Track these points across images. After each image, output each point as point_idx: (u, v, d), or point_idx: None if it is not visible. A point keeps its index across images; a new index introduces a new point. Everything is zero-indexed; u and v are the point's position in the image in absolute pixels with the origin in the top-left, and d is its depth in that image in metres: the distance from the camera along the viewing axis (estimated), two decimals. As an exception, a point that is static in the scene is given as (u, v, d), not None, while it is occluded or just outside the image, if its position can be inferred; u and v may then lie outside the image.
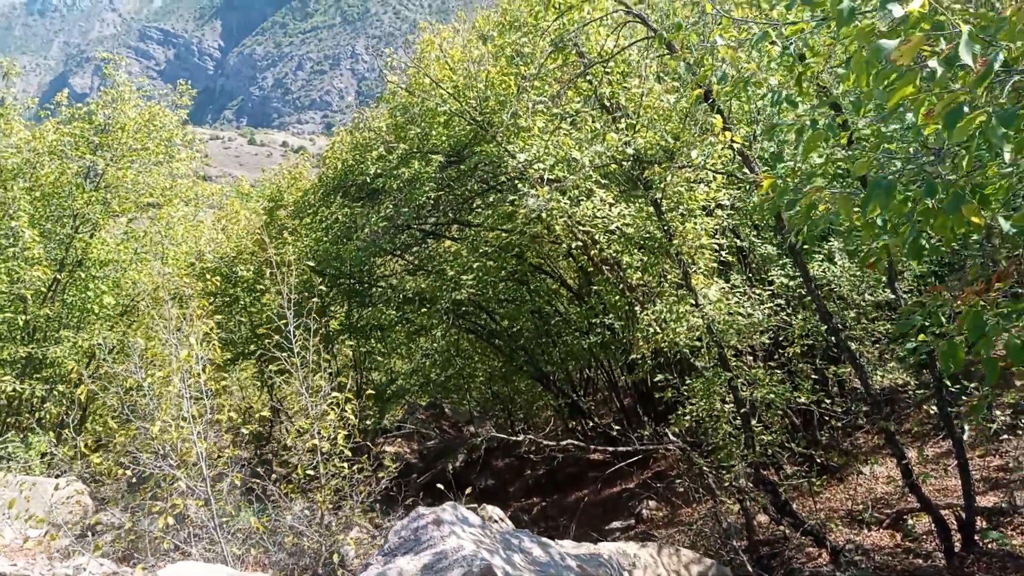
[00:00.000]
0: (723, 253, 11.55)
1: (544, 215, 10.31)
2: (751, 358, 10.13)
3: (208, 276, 11.04)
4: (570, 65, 8.78)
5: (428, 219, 13.42)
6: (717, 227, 11.02)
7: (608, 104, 8.41)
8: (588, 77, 8.21)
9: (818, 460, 10.63)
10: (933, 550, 8.35)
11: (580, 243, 10.55)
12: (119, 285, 11.48)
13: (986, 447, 11.08)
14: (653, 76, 7.73)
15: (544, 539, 4.47)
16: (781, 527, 9.46)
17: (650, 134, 8.33)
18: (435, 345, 19.87)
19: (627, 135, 7.80)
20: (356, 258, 12.07)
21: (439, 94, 9.91)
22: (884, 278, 10.55)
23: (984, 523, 8.56)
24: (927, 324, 4.46)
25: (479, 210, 11.28)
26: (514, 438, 11.18)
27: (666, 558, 6.82)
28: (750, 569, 8.19)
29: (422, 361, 19.50)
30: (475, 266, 12.30)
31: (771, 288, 11.56)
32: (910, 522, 9.37)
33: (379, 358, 20.36)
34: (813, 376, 11.16)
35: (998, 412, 9.69)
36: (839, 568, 8.21)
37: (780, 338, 10.60)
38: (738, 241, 12.33)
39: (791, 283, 11.42)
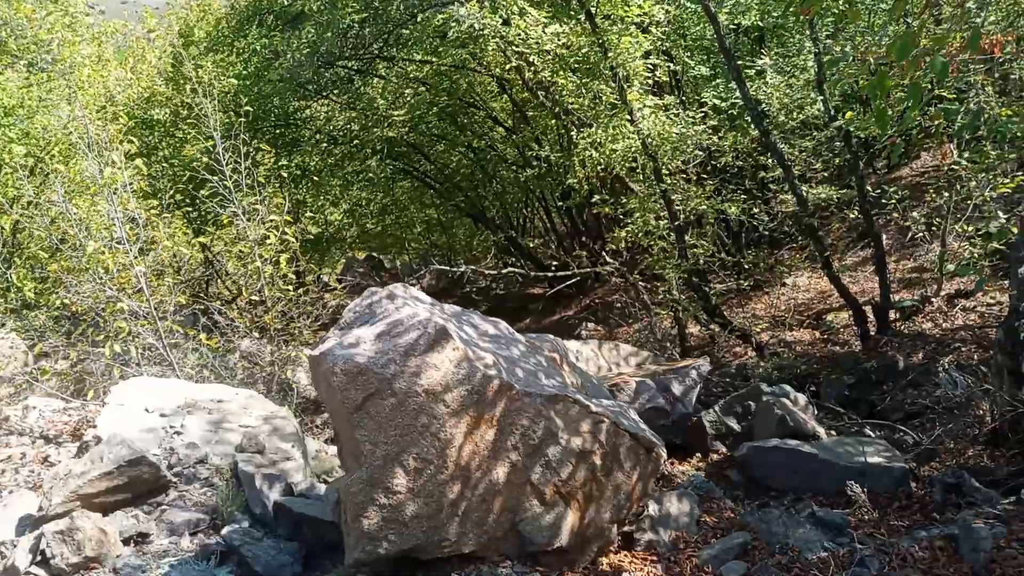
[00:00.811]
0: (657, 74, 11.45)
1: (476, 37, 9.93)
2: (684, 176, 10.34)
3: (122, 119, 10.33)
4: None
5: (354, 53, 12.75)
6: (652, 47, 10.85)
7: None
8: None
9: (746, 270, 11.17)
10: (850, 338, 9.06)
11: (513, 66, 10.27)
12: (28, 134, 10.70)
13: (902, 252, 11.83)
14: None
15: (495, 319, 4.66)
16: (710, 330, 10.05)
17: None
18: (370, 195, 19.52)
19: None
20: (278, 91, 11.49)
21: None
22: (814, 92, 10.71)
23: (898, 314, 9.29)
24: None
25: (410, 36, 10.74)
26: (454, 268, 11.34)
27: (606, 352, 7.24)
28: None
29: (358, 204, 19.18)
30: (407, 96, 11.88)
31: (704, 110, 11.63)
32: (829, 318, 10.10)
33: (311, 212, 20.01)
34: (743, 193, 11.52)
35: (915, 215, 10.26)
36: (763, 360, 8.86)
37: (712, 159, 10.79)
38: (671, 64, 12.21)
39: (723, 104, 11.50)
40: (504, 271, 12.05)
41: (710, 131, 10.62)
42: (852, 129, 8.07)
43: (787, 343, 9.51)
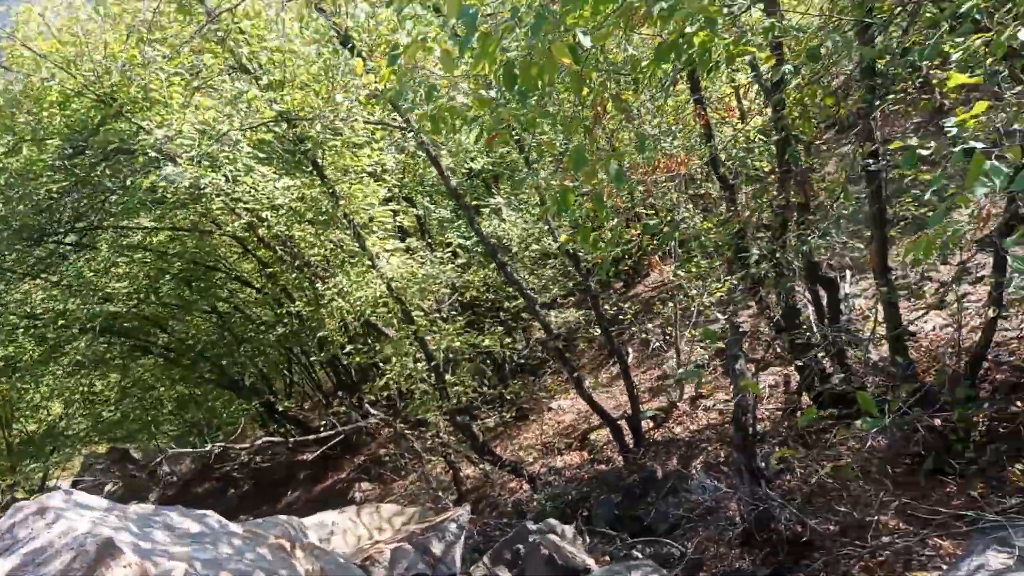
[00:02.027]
0: (400, 219, 11.61)
1: (199, 197, 9.40)
2: (439, 315, 10.33)
3: None
4: (198, 26, 8.00)
5: (64, 224, 11.49)
6: (391, 194, 11.03)
7: (250, 65, 7.83)
8: (223, 37, 7.54)
9: (511, 404, 11.21)
10: (613, 454, 9.25)
11: (245, 223, 9.81)
12: None
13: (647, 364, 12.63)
14: (296, 27, 7.34)
15: (204, 511, 3.94)
16: (482, 468, 9.79)
17: (299, 93, 7.94)
18: (101, 378, 17.27)
19: (273, 94, 7.33)
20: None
21: (45, 68, 8.44)
22: (547, 226, 11.46)
23: (651, 423, 9.71)
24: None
25: (124, 202, 9.89)
26: (198, 451, 10.10)
27: (366, 517, 6.62)
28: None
29: (90, 391, 16.87)
30: (123, 266, 10.82)
31: (450, 250, 11.92)
32: (593, 438, 10.31)
33: (24, 408, 17.21)
34: (499, 325, 11.77)
35: (651, 325, 11.07)
36: (536, 491, 8.70)
37: (461, 295, 10.96)
38: (414, 209, 12.52)
39: (467, 242, 11.90)
40: (258, 442, 10.97)
41: (458, 269, 10.83)
42: (574, 250, 8.57)
43: (557, 470, 9.49)
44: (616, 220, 4.70)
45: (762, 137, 8.12)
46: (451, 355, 10.13)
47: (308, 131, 7.45)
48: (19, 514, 3.13)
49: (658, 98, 6.40)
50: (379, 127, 8.95)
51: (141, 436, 23.18)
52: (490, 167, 12.79)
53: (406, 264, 9.34)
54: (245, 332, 14.33)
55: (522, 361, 12.64)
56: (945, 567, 3.80)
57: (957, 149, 2.23)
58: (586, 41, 2.38)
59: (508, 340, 10.16)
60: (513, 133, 4.28)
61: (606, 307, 11.31)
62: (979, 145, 2.17)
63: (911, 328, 8.84)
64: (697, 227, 7.45)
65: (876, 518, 4.59)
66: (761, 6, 3.80)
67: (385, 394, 10.06)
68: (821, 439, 6.44)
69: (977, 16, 3.23)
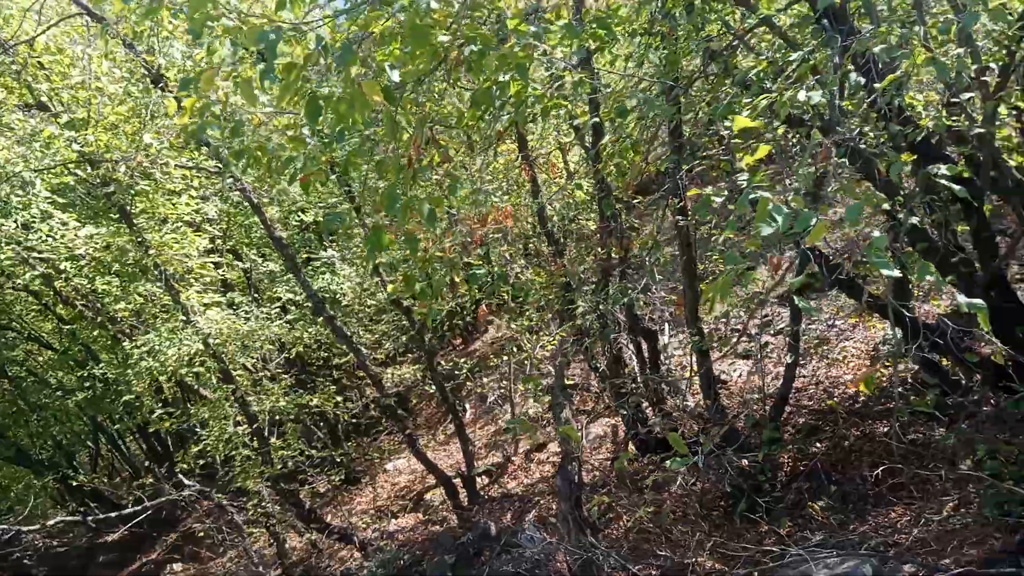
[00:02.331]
0: (222, 272, 10.95)
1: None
2: (267, 374, 9.75)
3: None
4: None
5: None
6: (214, 246, 10.39)
7: (50, 103, 7.14)
8: (18, 71, 6.83)
9: (343, 467, 10.72)
10: (448, 513, 9.03)
11: (39, 276, 8.82)
12: None
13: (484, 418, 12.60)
14: (105, 65, 6.79)
15: None
16: (311, 539, 9.21)
17: (105, 135, 7.33)
18: None
19: (75, 134, 6.70)
20: None
21: None
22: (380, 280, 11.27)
23: (486, 479, 9.62)
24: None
25: None
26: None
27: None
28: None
29: None
30: None
31: (279, 304, 11.37)
32: (428, 498, 10.04)
33: None
34: (331, 383, 11.28)
35: (487, 380, 11.09)
36: (367, 559, 8.29)
37: (291, 350, 10.44)
38: (239, 263, 11.88)
39: (298, 298, 11.40)
40: (48, 523, 9.68)
41: (287, 325, 10.32)
42: (407, 304, 8.46)
43: (390, 534, 9.11)
44: (443, 270, 4.67)
45: (585, 195, 8.52)
46: (277, 416, 9.55)
47: (114, 174, 6.87)
48: None
49: (486, 153, 6.54)
50: (199, 173, 8.46)
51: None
52: (322, 219, 12.46)
53: (227, 319, 8.76)
54: (40, 399, 12.76)
55: (355, 422, 12.18)
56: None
57: (743, 196, 2.38)
58: (394, 75, 2.34)
59: (340, 399, 9.73)
60: (333, 178, 4.15)
61: (442, 363, 11.23)
62: (767, 193, 2.33)
63: (722, 376, 9.48)
64: (527, 281, 7.60)
65: (694, 560, 4.74)
66: (574, 61, 4.00)
67: (201, 462, 9.25)
68: (646, 485, 6.64)
69: (765, 83, 3.55)
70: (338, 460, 10.13)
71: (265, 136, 3.30)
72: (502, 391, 11.28)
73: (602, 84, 4.72)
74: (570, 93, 4.07)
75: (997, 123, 5.72)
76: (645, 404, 7.76)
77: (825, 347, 8.88)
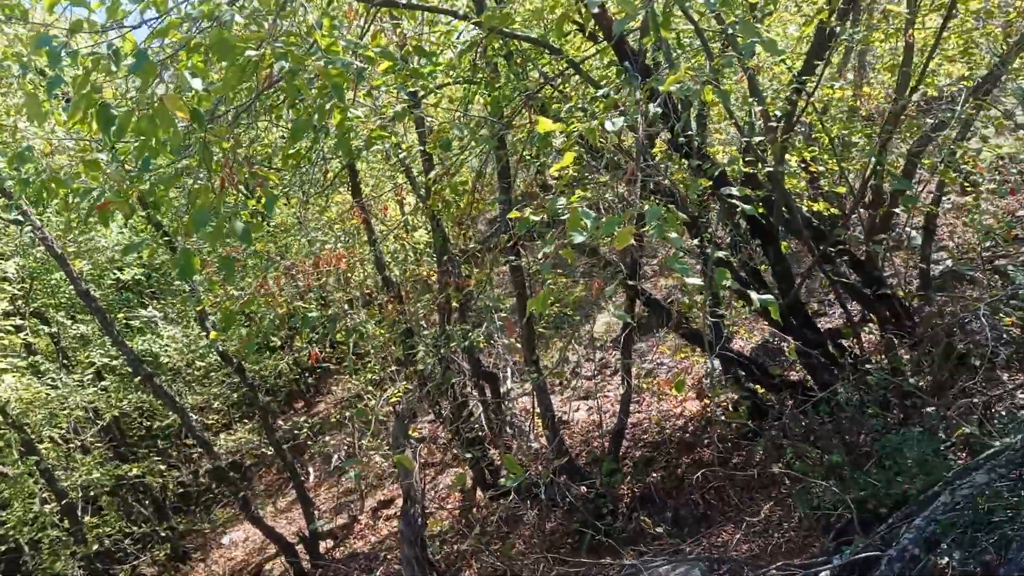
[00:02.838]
0: (25, 336, 9.89)
1: None
2: (76, 443, 8.82)
3: None
4: None
5: None
6: (13, 307, 9.40)
7: None
8: None
9: (169, 542, 9.82)
10: (288, 580, 8.49)
11: None
12: None
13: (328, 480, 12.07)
14: None
15: None
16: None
17: None
18: None
19: None
20: None
21: None
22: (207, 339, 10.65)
23: (332, 540, 9.16)
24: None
25: None
26: None
27: None
28: None
29: None
30: None
31: (93, 369, 10.42)
32: (268, 567, 9.41)
33: None
34: (155, 453, 10.39)
35: (331, 440, 10.66)
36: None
37: (105, 416, 9.54)
38: (45, 327, 10.79)
39: (115, 362, 10.50)
40: None
41: (102, 392, 9.47)
42: (238, 361, 8.04)
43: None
44: (270, 312, 4.49)
45: (420, 241, 8.58)
46: (91, 492, 8.64)
47: None
48: None
49: (318, 197, 6.44)
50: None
51: None
52: (142, 276, 11.66)
53: (30, 386, 7.90)
54: None
55: (185, 492, 11.26)
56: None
57: (553, 200, 2.50)
58: (195, 83, 2.24)
59: (164, 468, 8.96)
60: (141, 213, 3.87)
61: (282, 424, 10.70)
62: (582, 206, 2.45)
63: (564, 417, 9.74)
64: (368, 332, 7.48)
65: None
66: (404, 96, 4.07)
67: (2, 548, 8.15)
68: (494, 526, 6.60)
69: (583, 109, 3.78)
70: (163, 535, 9.26)
71: (58, 165, 3.05)
72: (348, 450, 10.88)
73: (428, 118, 4.82)
74: (393, 124, 4.12)
75: (788, 172, 6.44)
76: (491, 449, 7.77)
77: (652, 380, 9.38)
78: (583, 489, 6.38)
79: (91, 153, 2.87)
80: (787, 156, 6.16)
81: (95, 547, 7.87)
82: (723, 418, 8.34)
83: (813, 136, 7.42)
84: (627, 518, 6.85)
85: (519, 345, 9.14)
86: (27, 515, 7.83)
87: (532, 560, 5.45)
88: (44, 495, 7.90)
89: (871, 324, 6.82)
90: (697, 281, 2.67)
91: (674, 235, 2.30)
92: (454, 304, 7.78)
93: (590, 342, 10.94)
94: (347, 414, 10.24)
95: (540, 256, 2.69)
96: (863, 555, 3.33)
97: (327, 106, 3.06)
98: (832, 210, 6.32)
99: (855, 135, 6.59)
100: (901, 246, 6.92)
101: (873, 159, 4.45)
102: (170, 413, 9.32)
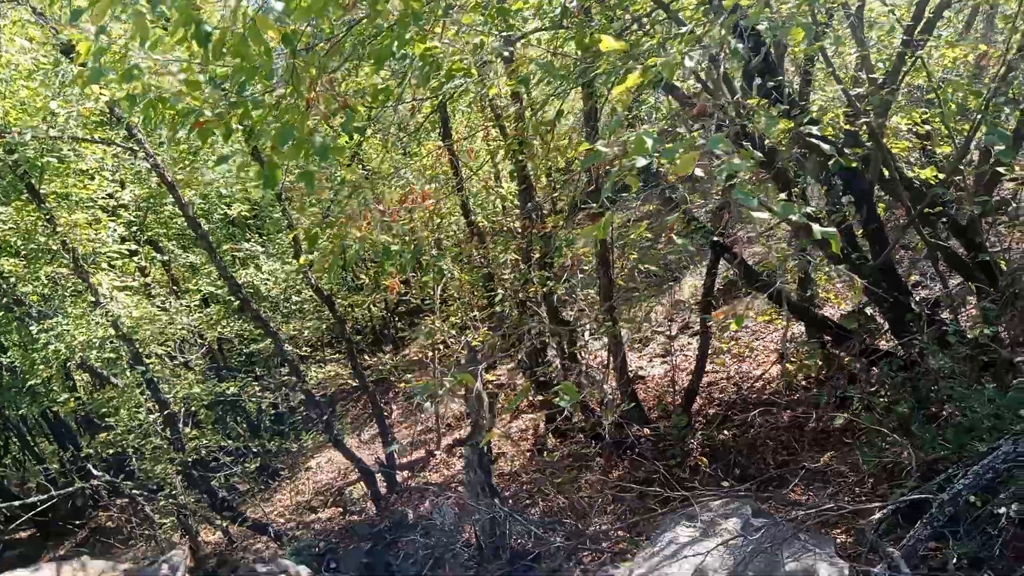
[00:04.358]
0: (139, 260, 10.65)
1: None
2: (180, 358, 9.52)
3: None
4: None
5: None
6: (129, 233, 10.10)
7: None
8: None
9: (264, 461, 10.52)
10: (367, 504, 8.97)
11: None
12: None
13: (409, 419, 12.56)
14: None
15: None
16: (225, 531, 9.02)
17: (14, 112, 7.07)
18: None
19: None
20: None
21: None
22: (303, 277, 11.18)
23: (409, 471, 9.59)
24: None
25: None
26: None
27: (68, 574, 5.75)
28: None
29: None
30: None
31: (200, 296, 11.14)
32: (349, 492, 9.95)
33: None
34: (253, 378, 11.05)
35: (412, 377, 11.06)
36: (282, 548, 8.17)
37: (210, 341, 10.24)
38: (159, 255, 11.58)
39: (219, 291, 11.18)
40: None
41: (208, 316, 10.13)
42: (328, 293, 8.42)
43: (307, 524, 8.98)
44: (356, 245, 4.69)
45: (507, 191, 8.67)
46: (192, 407, 9.32)
47: (20, 145, 6.63)
48: None
49: (406, 139, 6.61)
50: (113, 152, 8.26)
51: None
52: (248, 213, 12.27)
53: (140, 304, 8.54)
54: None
55: (276, 415, 11.97)
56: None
57: (614, 121, 2.50)
58: (277, 4, 2.37)
59: (258, 388, 9.57)
60: (240, 134, 4.08)
61: (369, 361, 11.14)
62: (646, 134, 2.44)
63: (640, 373, 9.75)
64: (445, 262, 7.66)
65: (597, 524, 4.85)
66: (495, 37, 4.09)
67: (111, 452, 8.96)
68: (567, 472, 6.77)
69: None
70: (256, 451, 9.94)
71: (165, 84, 3.27)
72: (429, 387, 11.24)
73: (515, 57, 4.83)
74: (483, 64, 4.16)
75: (891, 131, 6.09)
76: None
77: (735, 343, 9.23)
78: (652, 439, 6.42)
79: (193, 74, 3.07)
80: (892, 116, 5.84)
81: (193, 456, 8.51)
82: (803, 382, 8.17)
83: (926, 99, 7.00)
84: (695, 471, 6.87)
85: (596, 296, 9.17)
86: (132, 422, 8.54)
87: (598, 501, 5.56)
88: (148, 405, 8.59)
89: (969, 295, 6.47)
90: (764, 215, 2.63)
91: (737, 160, 2.28)
92: (535, 252, 7.87)
93: (674, 302, 10.83)
94: (428, 353, 10.55)
95: (607, 187, 2.70)
96: (916, 497, 3.26)
97: (407, 35, 3.14)
98: (940, 176, 5.96)
99: (969, 96, 6.16)
100: (1005, 211, 6.49)
101: (979, 116, 4.18)
102: (265, 340, 9.89)
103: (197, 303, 10.74)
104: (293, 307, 12.25)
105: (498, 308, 7.16)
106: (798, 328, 8.66)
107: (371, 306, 13.55)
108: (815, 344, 7.68)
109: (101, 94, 5.87)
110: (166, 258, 11.61)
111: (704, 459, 5.68)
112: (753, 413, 7.76)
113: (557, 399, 2.86)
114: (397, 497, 8.36)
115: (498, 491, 5.24)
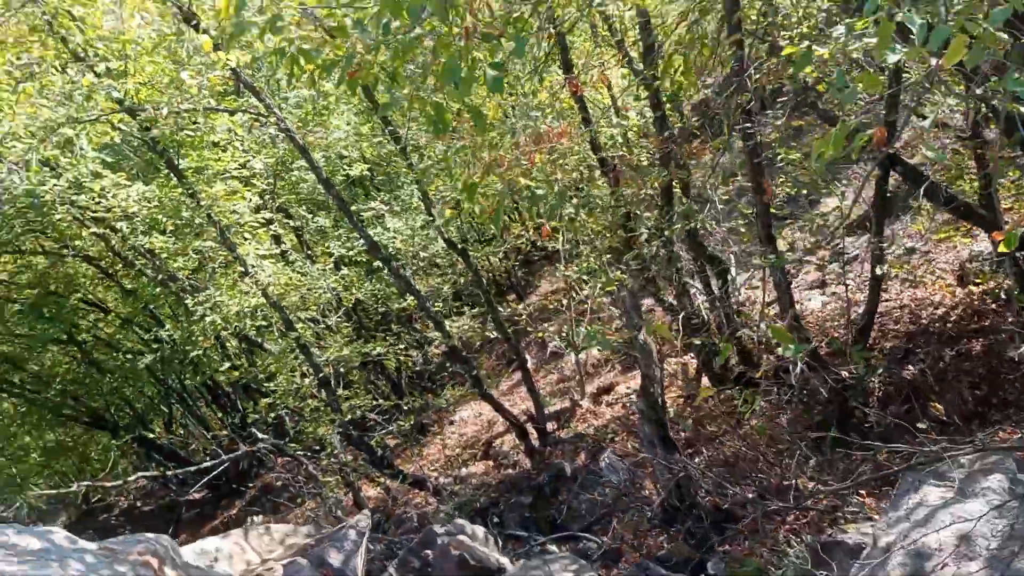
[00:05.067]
0: (273, 228, 10.87)
1: (41, 207, 8.42)
2: (326, 326, 9.70)
3: None
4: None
5: None
6: (262, 201, 10.29)
7: (85, 55, 6.98)
8: (49, 20, 6.68)
9: (412, 415, 10.67)
10: (520, 457, 8.89)
11: (96, 236, 8.87)
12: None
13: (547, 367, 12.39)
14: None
15: (49, 527, 3.29)
16: (385, 486, 9.21)
17: (145, 89, 7.15)
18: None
19: (113, 83, 6.52)
20: None
21: None
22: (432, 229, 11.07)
23: (556, 423, 9.42)
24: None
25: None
26: (62, 491, 9.00)
27: (255, 540, 5.94)
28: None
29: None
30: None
31: (332, 260, 11.27)
32: (497, 444, 9.92)
33: None
34: (390, 337, 11.18)
35: (547, 326, 10.84)
36: (442, 503, 8.22)
37: (350, 303, 10.38)
38: (289, 221, 11.80)
39: (350, 253, 11.25)
40: (128, 478, 9.92)
41: (342, 279, 10.23)
42: (463, 247, 8.22)
43: (463, 479, 9.01)
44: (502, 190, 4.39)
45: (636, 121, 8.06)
46: (341, 368, 9.49)
47: (160, 124, 6.70)
48: None
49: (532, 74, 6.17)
50: (242, 125, 8.29)
51: (7, 492, 20.74)
52: (368, 171, 12.25)
53: (283, 272, 8.68)
54: (110, 363, 13.05)
55: (417, 372, 12.10)
56: (877, 518, 3.63)
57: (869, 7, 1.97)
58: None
59: (402, 348, 9.61)
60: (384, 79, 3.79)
61: (501, 310, 11.00)
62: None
63: (798, 306, 9.00)
64: (592, 198, 7.22)
65: (794, 481, 4.41)
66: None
67: (272, 415, 9.29)
68: (726, 418, 6.31)
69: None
70: (406, 408, 10.07)
71: (307, 36, 3.00)
72: (565, 337, 10.99)
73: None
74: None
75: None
76: (715, 336, 7.37)
77: (909, 266, 8.32)
78: (835, 380, 5.83)
79: (338, 17, 2.79)
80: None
81: (349, 416, 8.66)
82: (993, 306, 7.26)
83: None
84: (879, 413, 6.24)
85: (743, 229, 8.50)
86: (290, 386, 8.79)
87: (776, 452, 5.10)
88: (302, 370, 8.80)
89: None
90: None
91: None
92: (676, 185, 7.29)
93: (828, 225, 9.92)
94: (563, 301, 10.25)
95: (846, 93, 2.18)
96: None
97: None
98: None
99: None
100: None
101: None
102: (401, 299, 9.90)
103: (331, 266, 10.89)
104: (421, 263, 12.24)
105: (643, 249, 6.67)
106: (982, 244, 7.70)
107: (489, 257, 13.40)
108: (1006, 261, 6.75)
109: (228, 60, 5.79)
110: (297, 223, 11.82)
111: (938, 405, 5.04)
112: (937, 345, 6.98)
113: (783, 349, 2.41)
114: (552, 450, 8.19)
115: (677, 445, 4.88)
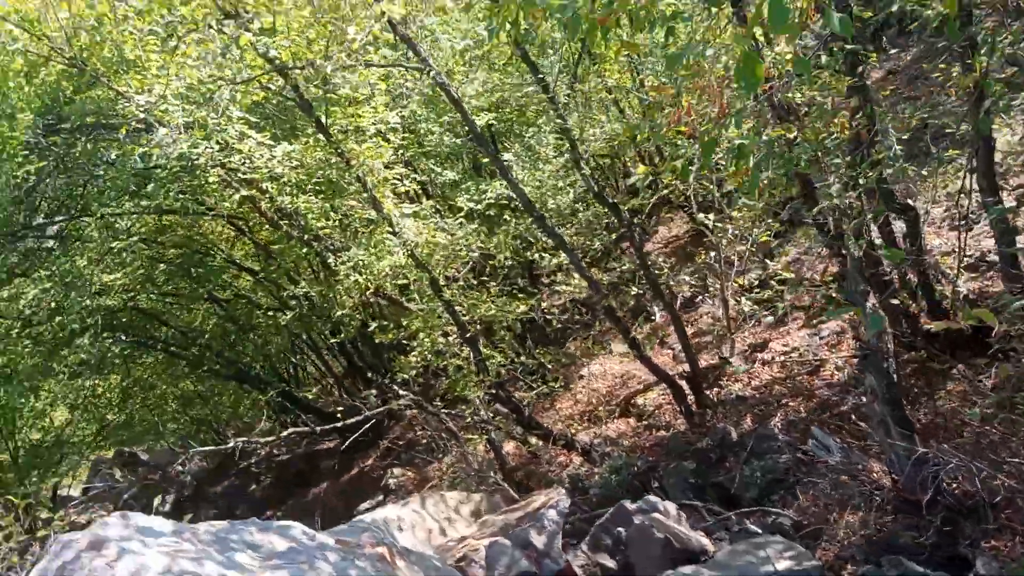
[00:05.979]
0: (405, 184, 10.73)
1: (193, 169, 8.53)
2: (463, 284, 9.51)
3: None
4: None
5: (45, 215, 10.59)
6: (396, 157, 10.13)
7: (235, 10, 6.84)
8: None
9: (551, 371, 10.45)
10: (672, 417, 8.50)
11: (246, 197, 8.93)
12: None
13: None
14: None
15: (288, 522, 3.17)
16: (529, 445, 9.07)
17: (296, 46, 6.97)
18: (104, 380, 16.39)
19: (268, 40, 6.37)
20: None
21: (4, 32, 7.43)
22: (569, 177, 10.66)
23: (706, 383, 8.95)
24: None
25: (107, 176, 8.94)
26: (221, 448, 9.33)
27: (432, 508, 5.87)
28: (515, 494, 7.58)
29: (92, 395, 16.06)
30: (123, 256, 9.92)
31: (462, 214, 11.04)
32: (639, 402, 9.55)
33: (27, 417, 16.26)
34: (520, 292, 10.94)
35: (684, 276, 10.30)
36: (595, 465, 7.96)
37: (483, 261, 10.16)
38: (417, 175, 11.63)
39: (478, 206, 10.98)
40: (282, 434, 10.20)
41: (478, 234, 9.99)
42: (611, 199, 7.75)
43: (611, 439, 8.73)
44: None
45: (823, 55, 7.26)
46: (481, 326, 9.32)
47: (312, 82, 6.52)
48: (68, 552, 2.36)
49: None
50: (385, 79, 8.04)
51: (148, 438, 22.27)
52: (493, 123, 11.86)
53: (423, 230, 8.49)
54: (251, 320, 13.48)
55: (543, 325, 11.85)
56: None
57: None
58: None
59: (545, 304, 9.35)
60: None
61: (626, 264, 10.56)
62: None
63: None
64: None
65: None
66: None
67: (413, 373, 9.26)
68: (937, 386, 5.68)
69: None
70: (548, 365, 9.86)
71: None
72: (708, 288, 10.43)
73: None
74: None
75: None
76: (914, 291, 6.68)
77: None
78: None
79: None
80: None
81: (493, 375, 8.50)
82: None
83: None
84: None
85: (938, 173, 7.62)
86: (434, 346, 8.68)
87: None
88: (446, 329, 8.67)
89: None
90: None
91: None
92: (863, 130, 6.54)
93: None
94: (711, 254, 9.63)
95: None
96: None
97: None
98: None
99: None
100: None
101: None
102: (546, 256, 9.59)
103: (461, 221, 10.68)
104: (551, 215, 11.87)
105: (832, 200, 6.01)
106: None
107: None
108: None
109: (390, 9, 5.48)
110: (424, 178, 11.63)
111: None
112: None
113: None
114: (711, 412, 7.77)
115: (914, 425, 4.37)
